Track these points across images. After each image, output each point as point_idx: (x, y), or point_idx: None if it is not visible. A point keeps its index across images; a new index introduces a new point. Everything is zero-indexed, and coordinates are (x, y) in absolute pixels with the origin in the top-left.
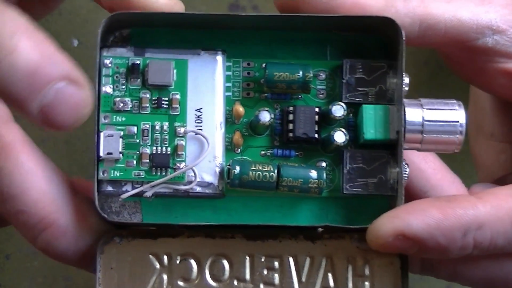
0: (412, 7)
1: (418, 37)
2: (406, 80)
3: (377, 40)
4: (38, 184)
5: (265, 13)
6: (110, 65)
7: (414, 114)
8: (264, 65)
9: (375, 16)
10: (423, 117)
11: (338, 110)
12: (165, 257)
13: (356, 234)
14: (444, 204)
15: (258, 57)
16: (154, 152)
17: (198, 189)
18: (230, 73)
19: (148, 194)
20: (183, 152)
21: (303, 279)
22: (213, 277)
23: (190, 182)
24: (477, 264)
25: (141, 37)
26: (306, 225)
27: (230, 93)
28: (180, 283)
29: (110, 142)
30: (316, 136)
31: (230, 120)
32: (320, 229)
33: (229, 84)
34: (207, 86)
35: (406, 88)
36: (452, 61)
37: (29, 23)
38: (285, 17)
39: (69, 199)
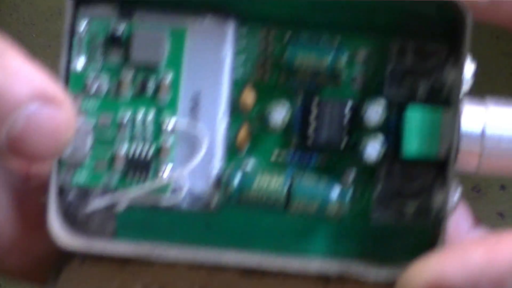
0: None
1: (489, 10)
2: (470, 69)
3: (442, 12)
4: None
5: None
6: (85, 31)
7: (473, 123)
8: (288, 35)
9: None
10: (484, 129)
11: (374, 115)
12: None
13: None
14: (492, 244)
15: (282, 21)
16: (132, 152)
17: (186, 201)
18: (243, 44)
19: (122, 206)
20: (169, 155)
21: None
22: None
23: (176, 192)
24: None
25: None
26: (315, 274)
27: (240, 71)
28: None
29: (75, 138)
30: (344, 142)
31: (237, 107)
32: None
33: (241, 59)
34: (210, 64)
35: (470, 83)
36: None
37: None
38: None
39: (15, 211)
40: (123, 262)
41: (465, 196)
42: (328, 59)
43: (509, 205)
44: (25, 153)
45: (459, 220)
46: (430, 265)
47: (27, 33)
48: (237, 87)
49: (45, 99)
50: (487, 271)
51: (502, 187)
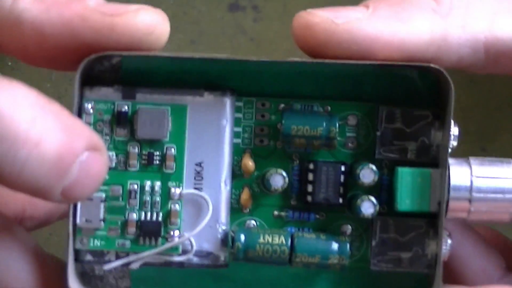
0: (472, 34)
1: (488, 66)
2: (455, 131)
3: (425, 77)
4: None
5: (286, 59)
6: (92, 111)
7: (460, 178)
8: (282, 106)
9: (417, 65)
10: (471, 183)
11: (368, 176)
12: None
13: None
14: None
15: (275, 94)
16: (142, 218)
17: (196, 259)
18: (240, 115)
19: (135, 266)
20: (177, 219)
21: None
22: None
23: (186, 252)
24: None
25: (134, 66)
26: None
27: (239, 140)
28: None
29: (89, 207)
30: (341, 201)
31: (239, 172)
32: None
33: (239, 129)
34: (211, 136)
35: (455, 143)
36: None
37: (39, 95)
38: (307, 64)
39: (36, 271)
40: None
41: None
42: (321, 128)
43: None
44: (75, 197)
45: (486, 267)
46: None
47: None
48: (237, 154)
49: (93, 147)
50: None
51: None
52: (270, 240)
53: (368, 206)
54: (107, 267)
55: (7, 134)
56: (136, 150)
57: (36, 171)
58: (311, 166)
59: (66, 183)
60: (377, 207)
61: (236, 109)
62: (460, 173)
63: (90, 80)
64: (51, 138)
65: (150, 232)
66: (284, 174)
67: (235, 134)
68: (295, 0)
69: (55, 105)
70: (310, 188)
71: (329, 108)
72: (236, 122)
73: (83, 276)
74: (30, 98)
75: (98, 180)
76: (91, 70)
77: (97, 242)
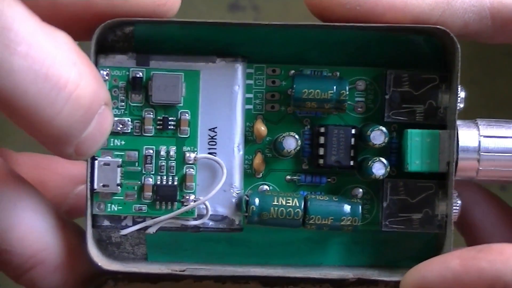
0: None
1: (496, 34)
2: (462, 95)
3: (431, 42)
4: (25, 219)
5: (295, 22)
6: (107, 77)
7: (468, 139)
8: (292, 72)
9: (422, 26)
10: (479, 143)
11: (378, 137)
12: None
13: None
14: (471, 254)
15: (285, 61)
16: (158, 182)
17: (211, 223)
18: (251, 81)
19: (152, 230)
20: (192, 183)
21: None
22: None
23: (201, 216)
24: None
25: (147, 35)
26: (334, 278)
27: (251, 106)
28: None
29: (106, 173)
30: (352, 163)
31: (251, 138)
32: (352, 278)
33: (250, 95)
34: (223, 101)
35: (462, 105)
36: None
37: (74, 42)
38: (316, 27)
39: (59, 233)
40: (153, 281)
41: None
42: (331, 91)
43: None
44: (85, 153)
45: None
46: (414, 272)
47: None
48: (249, 120)
49: (108, 101)
50: (459, 279)
51: (502, 187)
52: (283, 202)
53: (379, 167)
54: (124, 232)
55: (52, 74)
56: (151, 115)
57: (72, 114)
58: (322, 129)
59: (84, 135)
60: (388, 168)
61: (247, 76)
62: (468, 134)
63: (104, 49)
64: (87, 83)
65: (166, 196)
66: (297, 136)
67: (246, 100)
68: (295, 0)
69: (82, 52)
70: (321, 151)
71: (338, 73)
72: (247, 88)
73: (99, 243)
74: (69, 43)
75: (106, 136)
76: (105, 39)
77: (114, 207)
